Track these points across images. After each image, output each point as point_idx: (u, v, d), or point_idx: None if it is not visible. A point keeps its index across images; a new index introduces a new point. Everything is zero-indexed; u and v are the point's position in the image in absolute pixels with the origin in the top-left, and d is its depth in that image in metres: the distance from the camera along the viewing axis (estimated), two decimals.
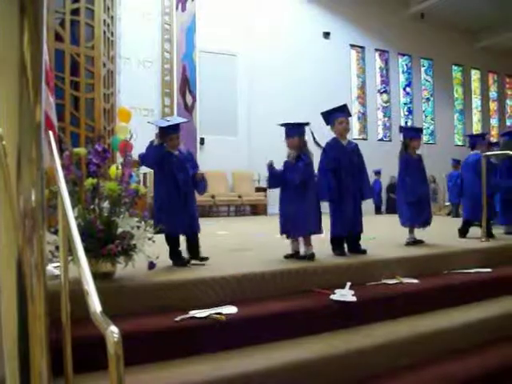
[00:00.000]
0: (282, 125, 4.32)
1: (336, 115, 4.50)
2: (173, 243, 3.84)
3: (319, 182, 4.32)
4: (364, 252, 4.34)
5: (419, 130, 5.87)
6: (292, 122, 4.35)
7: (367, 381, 2.80)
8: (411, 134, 5.47)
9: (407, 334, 3.20)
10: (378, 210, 15.45)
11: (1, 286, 1.19)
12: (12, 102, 1.16)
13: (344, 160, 4.40)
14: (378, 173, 15.12)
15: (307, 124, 4.26)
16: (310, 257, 4.01)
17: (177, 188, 3.82)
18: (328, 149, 4.42)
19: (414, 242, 5.16)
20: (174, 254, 3.82)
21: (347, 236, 4.41)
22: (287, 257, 4.13)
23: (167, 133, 3.89)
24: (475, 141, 6.47)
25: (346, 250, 4.39)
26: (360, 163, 4.54)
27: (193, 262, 3.82)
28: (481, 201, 5.60)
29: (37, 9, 1.16)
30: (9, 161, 1.15)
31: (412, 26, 18.55)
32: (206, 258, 3.90)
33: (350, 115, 4.69)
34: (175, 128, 3.96)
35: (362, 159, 4.59)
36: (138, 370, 2.35)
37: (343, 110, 4.58)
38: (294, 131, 4.24)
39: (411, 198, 5.15)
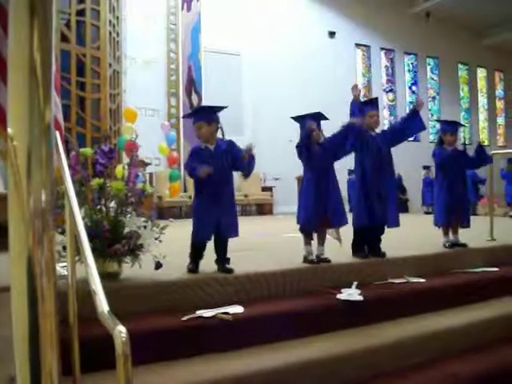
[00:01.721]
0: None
1: (367, 108, 4.39)
2: (194, 249, 3.55)
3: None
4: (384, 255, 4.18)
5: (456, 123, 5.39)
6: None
7: (374, 380, 2.80)
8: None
9: (414, 333, 3.19)
10: None
11: (11, 285, 1.19)
12: (22, 103, 1.16)
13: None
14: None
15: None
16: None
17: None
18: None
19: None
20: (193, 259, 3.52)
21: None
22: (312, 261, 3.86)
23: (194, 120, 3.67)
24: None
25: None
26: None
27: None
28: None
29: (46, 10, 1.16)
30: (19, 161, 1.15)
31: (417, 24, 18.50)
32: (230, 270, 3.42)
33: (378, 109, 4.58)
34: (201, 113, 3.70)
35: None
36: (146, 370, 2.35)
37: (374, 104, 4.53)
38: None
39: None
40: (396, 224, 4.30)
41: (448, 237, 4.88)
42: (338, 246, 4.04)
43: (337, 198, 4.00)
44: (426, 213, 11.49)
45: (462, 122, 20.52)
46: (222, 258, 3.51)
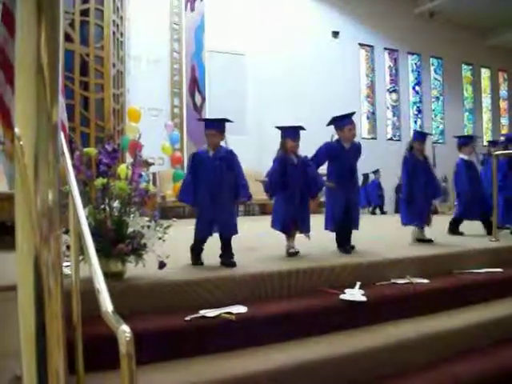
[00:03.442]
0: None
1: (346, 122, 4.71)
2: (195, 243, 3.90)
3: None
4: (352, 248, 4.59)
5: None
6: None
7: (376, 381, 2.80)
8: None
9: (417, 334, 3.18)
10: (374, 211, 15.13)
11: (18, 284, 1.20)
12: (29, 103, 1.17)
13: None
14: (375, 172, 14.67)
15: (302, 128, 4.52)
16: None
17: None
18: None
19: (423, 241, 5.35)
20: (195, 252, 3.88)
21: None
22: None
23: (211, 127, 3.99)
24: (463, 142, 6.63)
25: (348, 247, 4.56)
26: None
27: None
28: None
29: (53, 10, 1.17)
30: (26, 161, 1.16)
31: (421, 24, 18.45)
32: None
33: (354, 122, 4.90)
34: (221, 123, 4.02)
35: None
36: (149, 369, 2.36)
37: (351, 118, 4.78)
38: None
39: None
40: (357, 228, 4.71)
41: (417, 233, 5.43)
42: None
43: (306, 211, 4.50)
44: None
45: (465, 123, 20.55)
46: (226, 254, 3.80)
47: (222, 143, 4.02)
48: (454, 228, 6.42)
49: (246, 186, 4.01)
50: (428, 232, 5.44)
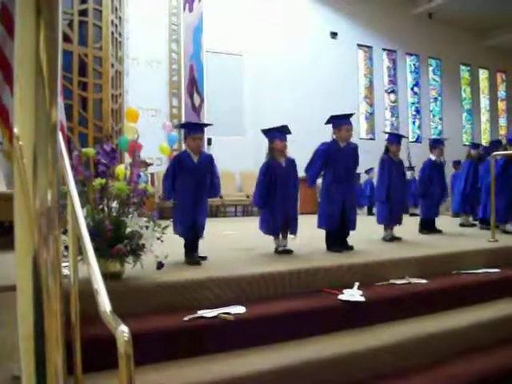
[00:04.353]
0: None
1: (344, 122, 4.80)
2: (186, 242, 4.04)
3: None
4: (351, 248, 4.67)
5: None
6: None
7: (375, 381, 2.80)
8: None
9: (415, 334, 3.19)
10: (371, 211, 14.02)
11: (17, 284, 1.19)
12: (28, 103, 1.17)
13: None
14: (368, 172, 14.30)
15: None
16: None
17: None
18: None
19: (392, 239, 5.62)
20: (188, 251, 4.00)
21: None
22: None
23: (194, 131, 4.15)
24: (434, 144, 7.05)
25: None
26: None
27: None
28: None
29: (52, 10, 1.17)
30: (25, 161, 1.15)
31: (420, 25, 18.46)
32: (204, 258, 4.03)
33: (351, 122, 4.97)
34: (202, 128, 4.32)
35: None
36: (148, 370, 2.36)
37: (349, 118, 4.87)
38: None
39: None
40: (354, 228, 4.82)
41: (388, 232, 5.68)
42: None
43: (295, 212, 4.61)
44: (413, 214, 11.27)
45: (464, 123, 20.56)
46: (194, 253, 3.97)
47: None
48: (422, 228, 6.73)
49: (219, 185, 4.24)
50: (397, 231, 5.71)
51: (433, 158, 6.85)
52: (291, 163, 4.62)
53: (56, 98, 1.19)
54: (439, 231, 6.64)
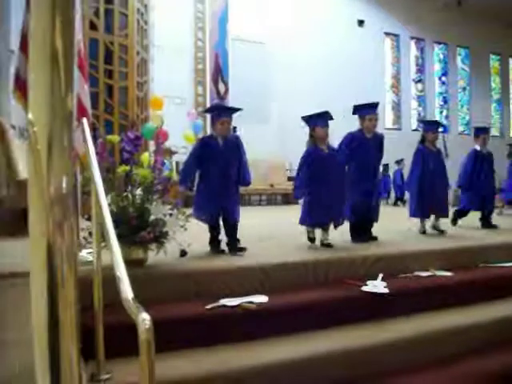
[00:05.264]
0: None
1: (367, 111, 4.69)
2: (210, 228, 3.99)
3: None
4: (375, 239, 4.61)
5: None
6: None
7: (394, 374, 2.76)
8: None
9: (439, 327, 3.14)
10: (396, 202, 14.40)
11: (31, 271, 1.19)
12: (43, 90, 1.16)
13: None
14: (398, 162, 14.27)
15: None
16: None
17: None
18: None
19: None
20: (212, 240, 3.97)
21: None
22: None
23: (222, 115, 4.04)
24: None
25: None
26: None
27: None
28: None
29: None
30: (39, 147, 1.15)
31: (448, 13, 18.11)
32: (243, 249, 3.86)
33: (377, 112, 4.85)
34: (231, 112, 4.14)
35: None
36: (169, 357, 2.36)
37: (374, 107, 4.76)
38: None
39: None
40: (377, 220, 4.76)
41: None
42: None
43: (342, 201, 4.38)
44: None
45: (493, 114, 20.15)
46: (232, 240, 3.92)
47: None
48: (454, 220, 6.43)
49: (248, 174, 4.13)
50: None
51: (478, 148, 6.36)
52: (334, 151, 4.40)
53: (72, 86, 1.18)
54: (494, 226, 6.12)
